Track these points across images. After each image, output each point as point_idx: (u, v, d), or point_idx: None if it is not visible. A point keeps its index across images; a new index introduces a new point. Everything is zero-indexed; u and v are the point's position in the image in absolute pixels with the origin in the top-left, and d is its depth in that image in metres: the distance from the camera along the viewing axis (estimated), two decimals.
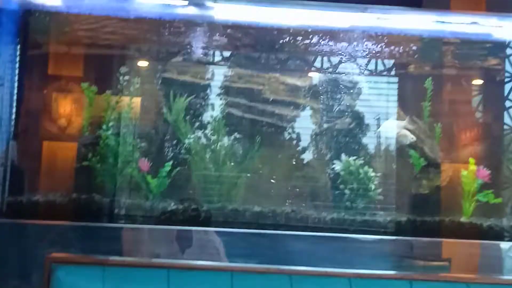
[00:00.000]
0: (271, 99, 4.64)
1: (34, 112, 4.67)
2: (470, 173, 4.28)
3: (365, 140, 4.71)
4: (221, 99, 4.64)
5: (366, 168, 4.41)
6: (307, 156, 4.72)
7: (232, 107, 4.61)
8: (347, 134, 4.67)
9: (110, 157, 4.30)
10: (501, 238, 4.13)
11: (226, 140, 4.54)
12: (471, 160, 4.33)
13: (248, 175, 4.51)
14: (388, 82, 5.12)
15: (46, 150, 4.58)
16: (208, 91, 4.66)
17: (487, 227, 4.12)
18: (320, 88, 4.77)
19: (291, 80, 4.69)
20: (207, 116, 4.61)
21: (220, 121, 4.54)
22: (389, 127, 4.70)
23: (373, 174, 4.42)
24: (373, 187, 4.39)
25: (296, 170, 4.68)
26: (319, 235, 4.01)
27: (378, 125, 4.77)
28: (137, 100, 4.51)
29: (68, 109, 4.65)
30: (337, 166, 4.45)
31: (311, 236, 3.99)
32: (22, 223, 3.81)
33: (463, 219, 4.22)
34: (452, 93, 4.89)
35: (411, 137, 4.47)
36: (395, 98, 4.95)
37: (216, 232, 3.96)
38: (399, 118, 4.69)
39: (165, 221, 4.08)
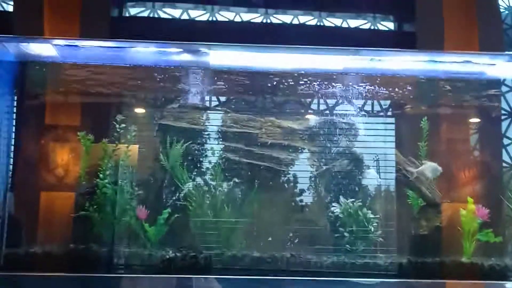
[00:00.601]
0: (268, 142, 4.68)
1: (31, 162, 4.73)
2: (469, 212, 4.31)
3: (363, 182, 4.73)
4: (218, 144, 4.70)
5: (365, 210, 4.44)
6: (306, 199, 4.75)
7: (229, 152, 4.66)
8: (345, 176, 4.69)
9: (108, 205, 4.33)
10: (505, 278, 4.12)
11: (223, 185, 4.58)
12: (470, 199, 4.37)
13: (246, 220, 4.54)
14: (385, 123, 5.21)
15: (44, 201, 4.61)
16: (204, 136, 4.71)
17: (488, 267, 4.12)
18: (316, 130, 4.82)
19: (287, 123, 4.75)
20: (204, 162, 4.66)
21: (217, 167, 4.60)
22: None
23: (372, 215, 4.44)
24: (372, 229, 4.41)
25: (294, 213, 4.71)
26: (320, 279, 4.05)
27: (377, 166, 4.82)
28: (134, 148, 4.56)
29: (65, 158, 4.71)
30: (336, 208, 4.48)
31: (312, 281, 4.03)
32: (19, 275, 3.83)
33: (464, 259, 4.23)
34: (449, 132, 4.96)
35: (440, 169, 4.49)
36: (392, 138, 5.01)
37: (216, 279, 4.00)
38: (397, 158, 4.69)
39: (164, 269, 4.08)
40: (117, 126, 4.46)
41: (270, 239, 4.56)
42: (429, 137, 4.67)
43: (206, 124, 4.74)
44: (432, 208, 4.44)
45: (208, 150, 4.68)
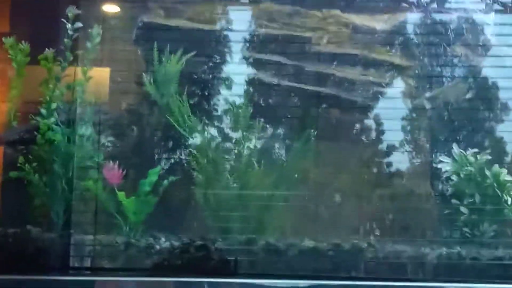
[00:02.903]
0: (328, 54, 4.63)
1: None
2: None
3: (493, 123, 4.73)
4: (242, 56, 4.71)
5: (496, 168, 4.35)
6: (393, 154, 4.76)
7: (260, 71, 4.64)
8: (461, 113, 4.68)
9: (56, 162, 4.29)
10: None
11: (252, 130, 4.52)
12: None
13: (292, 188, 4.51)
14: None
15: None
16: (219, 43, 4.73)
17: None
18: (413, 35, 4.79)
19: (362, 21, 4.68)
20: (218, 87, 4.68)
21: (241, 97, 4.60)
22: None
23: (510, 178, 4.35)
24: (510, 200, 4.31)
25: (373, 177, 4.72)
26: (418, 285, 4.01)
27: None
28: (99, 65, 4.55)
29: None
30: (445, 165, 4.42)
31: None
32: None
33: None
34: None
35: None
36: None
37: (240, 285, 3.96)
38: None
39: (152, 269, 4.10)
40: (69, 26, 4.39)
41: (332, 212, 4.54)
42: None
43: (221, 22, 4.74)
44: None
45: (224, 67, 4.69)
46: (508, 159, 4.60)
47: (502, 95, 4.76)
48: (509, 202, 4.33)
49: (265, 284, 3.92)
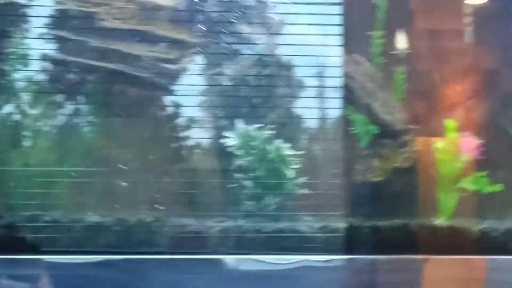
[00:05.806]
0: (113, 29, 4.65)
1: None
2: (450, 144, 4.43)
3: (278, 99, 4.82)
4: (27, 31, 4.64)
5: (279, 143, 4.51)
6: (180, 130, 4.80)
7: (46, 46, 4.63)
8: (247, 89, 4.77)
9: None
10: None
11: (36, 101, 4.57)
12: (450, 122, 4.49)
13: (78, 162, 4.57)
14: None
15: None
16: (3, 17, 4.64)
17: None
18: (201, 12, 4.82)
19: None
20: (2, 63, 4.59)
21: (27, 73, 4.59)
22: None
23: (292, 152, 4.51)
24: (292, 175, 4.48)
25: (160, 153, 4.74)
26: (202, 258, 4.12)
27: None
28: None
29: None
30: (230, 140, 4.52)
31: (187, 261, 4.07)
32: None
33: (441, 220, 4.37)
34: None
35: None
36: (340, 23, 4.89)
37: (24, 261, 4.02)
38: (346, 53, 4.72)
39: None
40: None
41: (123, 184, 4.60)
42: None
43: None
44: (391, 139, 4.52)
45: (9, 42, 4.62)
46: (290, 134, 4.68)
47: (287, 72, 4.85)
48: (291, 176, 4.47)
49: (56, 260, 4.00)
